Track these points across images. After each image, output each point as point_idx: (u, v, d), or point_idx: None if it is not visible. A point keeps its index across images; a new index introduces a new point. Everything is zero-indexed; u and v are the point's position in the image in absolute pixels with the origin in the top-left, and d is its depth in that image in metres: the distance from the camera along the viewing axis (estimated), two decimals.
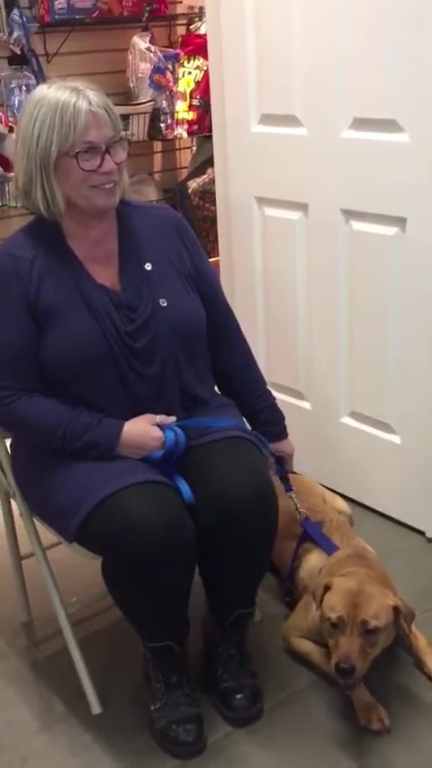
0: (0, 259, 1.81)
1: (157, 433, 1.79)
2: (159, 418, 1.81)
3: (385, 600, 1.79)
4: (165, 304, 1.84)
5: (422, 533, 2.51)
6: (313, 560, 2.08)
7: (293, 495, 2.08)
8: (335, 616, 1.76)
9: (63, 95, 1.71)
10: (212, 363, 1.99)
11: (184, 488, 1.77)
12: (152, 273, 1.86)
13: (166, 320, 1.84)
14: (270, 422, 2.05)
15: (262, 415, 2.04)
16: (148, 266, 1.86)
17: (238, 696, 1.89)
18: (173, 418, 1.82)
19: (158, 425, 1.80)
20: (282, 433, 2.08)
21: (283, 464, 2.07)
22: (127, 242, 1.88)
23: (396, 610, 1.79)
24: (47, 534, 1.92)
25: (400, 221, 2.31)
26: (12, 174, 3.17)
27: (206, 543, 1.79)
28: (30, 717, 1.95)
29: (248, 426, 2.01)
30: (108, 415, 1.80)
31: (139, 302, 1.83)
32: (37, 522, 1.96)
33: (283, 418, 2.09)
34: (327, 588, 1.83)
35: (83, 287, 1.80)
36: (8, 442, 1.98)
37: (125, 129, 3.16)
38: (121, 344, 1.80)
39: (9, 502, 2.14)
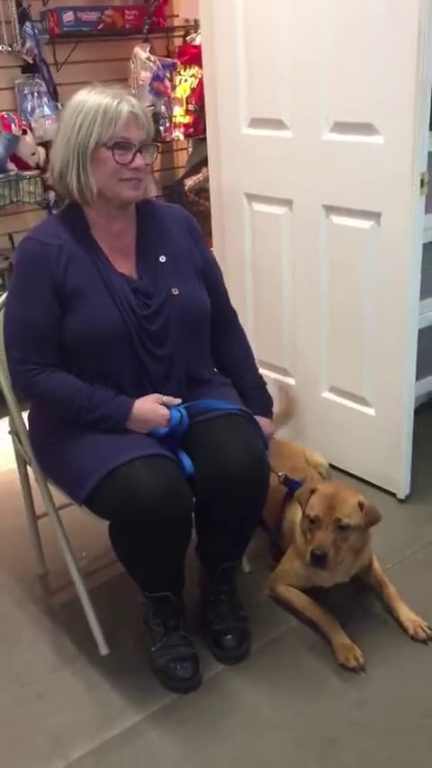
0: (31, 244, 1.79)
1: (164, 410, 1.78)
2: (166, 398, 1.80)
3: (355, 500, 1.87)
4: (176, 293, 1.84)
5: (393, 494, 2.53)
6: (296, 512, 2.09)
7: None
8: (313, 514, 1.84)
9: (106, 99, 1.72)
10: (213, 346, 1.99)
11: (186, 462, 1.77)
12: (166, 265, 1.86)
13: (177, 307, 1.83)
14: (258, 402, 2.04)
15: (252, 394, 2.04)
16: (162, 258, 1.86)
17: (228, 637, 1.91)
18: (178, 400, 1.81)
19: (165, 404, 1.80)
20: (267, 414, 2.08)
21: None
22: (144, 236, 1.87)
23: (360, 505, 1.87)
24: (59, 496, 1.93)
25: (376, 216, 2.30)
26: (26, 172, 3.19)
27: (204, 508, 1.81)
28: (45, 657, 1.97)
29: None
30: (121, 389, 1.79)
31: (154, 290, 1.83)
32: (50, 486, 1.97)
33: (270, 400, 2.09)
34: (312, 492, 1.89)
35: (105, 273, 1.79)
36: (25, 414, 1.99)
37: None
38: (138, 326, 1.79)
39: (26, 468, 2.15)
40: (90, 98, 1.73)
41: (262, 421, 2.05)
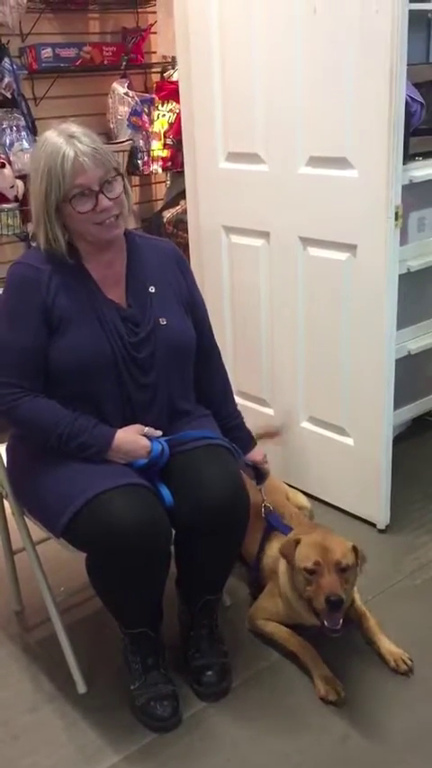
0: (22, 268, 1.78)
1: (146, 442, 1.77)
2: (147, 430, 1.79)
3: (347, 543, 1.85)
4: (164, 323, 1.84)
5: (373, 525, 2.52)
6: (275, 548, 2.07)
7: (261, 489, 2.08)
8: (311, 563, 1.79)
9: (58, 142, 1.69)
10: (195, 382, 1.98)
11: (166, 494, 1.76)
12: (154, 295, 1.86)
13: (164, 337, 1.83)
14: (240, 437, 2.05)
15: (233, 431, 2.04)
16: (152, 289, 1.86)
17: (209, 673, 1.88)
18: (159, 432, 1.81)
19: (146, 436, 1.78)
20: (251, 444, 2.09)
21: (261, 474, 2.09)
22: (134, 267, 1.87)
23: (355, 549, 1.85)
24: (37, 530, 1.90)
25: (352, 248, 2.32)
26: (5, 205, 3.19)
27: (184, 540, 1.79)
28: (21, 697, 1.93)
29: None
30: (103, 416, 1.78)
31: (142, 318, 1.83)
32: (27, 520, 1.94)
33: (249, 432, 2.10)
34: (296, 543, 1.86)
35: (94, 300, 1.79)
36: (2, 447, 1.96)
37: None
38: (125, 353, 1.79)
39: (2, 501, 2.11)
40: (47, 144, 1.71)
41: (253, 453, 2.07)
